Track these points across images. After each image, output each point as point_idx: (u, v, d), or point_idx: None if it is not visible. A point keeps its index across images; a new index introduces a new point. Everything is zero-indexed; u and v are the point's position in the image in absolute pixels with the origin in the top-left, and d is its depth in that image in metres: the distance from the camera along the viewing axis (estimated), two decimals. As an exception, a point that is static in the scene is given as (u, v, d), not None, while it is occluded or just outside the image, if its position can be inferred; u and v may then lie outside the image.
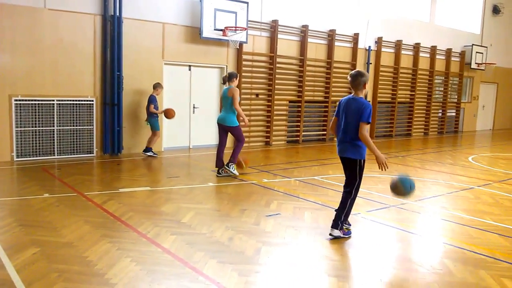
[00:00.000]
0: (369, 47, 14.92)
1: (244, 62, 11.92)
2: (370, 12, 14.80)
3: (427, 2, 17.07)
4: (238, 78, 8.16)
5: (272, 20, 12.32)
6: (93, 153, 9.79)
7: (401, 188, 4.90)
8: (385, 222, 5.63)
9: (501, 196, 7.31)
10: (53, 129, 9.29)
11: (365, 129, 4.75)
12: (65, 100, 9.36)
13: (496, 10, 19.94)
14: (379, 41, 15.15)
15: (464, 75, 18.87)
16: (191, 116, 11.48)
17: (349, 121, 4.88)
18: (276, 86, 12.59)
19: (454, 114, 19.07)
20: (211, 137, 11.94)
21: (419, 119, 17.40)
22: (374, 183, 7.99)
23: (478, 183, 8.28)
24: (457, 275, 4.07)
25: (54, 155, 9.34)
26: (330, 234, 4.97)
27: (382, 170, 4.83)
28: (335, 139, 5.41)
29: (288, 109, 13.24)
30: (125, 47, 9.87)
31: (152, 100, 9.81)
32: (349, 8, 14.27)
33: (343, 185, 5.14)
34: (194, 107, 11.46)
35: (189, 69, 11.30)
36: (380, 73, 15.33)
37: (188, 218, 5.51)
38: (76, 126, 9.56)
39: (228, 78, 8.06)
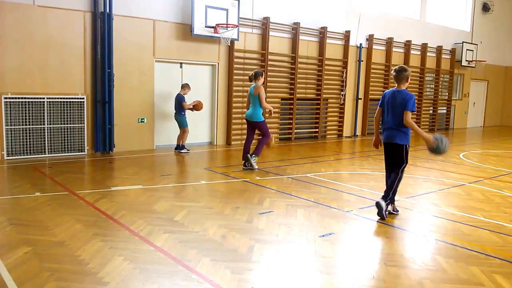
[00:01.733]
0: (361, 44, 14.96)
1: (235, 60, 11.89)
2: (361, 9, 14.84)
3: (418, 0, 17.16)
4: (263, 76, 8.68)
5: (264, 17, 12.31)
6: (84, 152, 9.73)
7: (438, 148, 5.64)
8: (377, 219, 5.65)
9: (492, 192, 7.38)
10: (44, 127, 9.21)
11: (410, 116, 5.46)
12: (55, 98, 9.29)
13: (486, 8, 20.09)
14: (370, 39, 15.20)
15: (454, 72, 19.00)
16: (183, 114, 11.43)
17: (395, 111, 5.55)
18: (268, 84, 12.58)
19: (445, 111, 19.20)
20: (204, 135, 11.92)
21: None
22: (367, 180, 8.03)
23: (469, 180, 8.34)
24: (449, 271, 4.10)
25: (45, 154, 9.27)
26: (377, 203, 5.55)
27: (432, 148, 5.55)
28: (375, 129, 6.13)
29: (280, 107, 13.24)
30: (115, 44, 9.81)
31: (181, 98, 10.29)
32: (340, 5, 14.29)
33: (388, 175, 5.82)
34: (186, 105, 11.42)
35: (181, 66, 11.25)
36: (372, 71, 15.37)
37: (181, 216, 5.49)
38: (67, 124, 9.49)
39: (254, 77, 8.57)
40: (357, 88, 15.14)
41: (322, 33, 13.72)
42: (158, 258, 4.16)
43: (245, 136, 12.32)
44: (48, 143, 9.29)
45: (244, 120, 12.32)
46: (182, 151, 10.49)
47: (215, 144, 11.99)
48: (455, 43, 18.81)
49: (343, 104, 14.74)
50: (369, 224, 5.48)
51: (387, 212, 5.64)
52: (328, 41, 13.88)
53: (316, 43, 13.78)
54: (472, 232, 5.29)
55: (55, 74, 9.27)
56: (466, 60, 18.94)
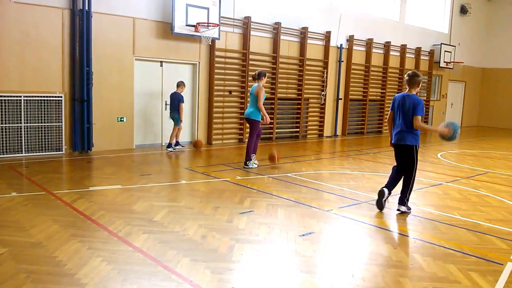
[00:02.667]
0: (341, 45, 15.07)
1: (216, 59, 11.85)
2: (342, 10, 14.95)
3: (397, 1, 17.36)
4: (266, 77, 8.90)
5: (245, 17, 12.30)
6: (62, 151, 9.57)
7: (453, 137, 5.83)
8: (357, 218, 5.70)
9: (469, 191, 7.51)
10: (20, 126, 9.03)
11: (419, 120, 5.75)
12: (32, 96, 9.11)
13: (463, 10, 20.45)
14: (350, 40, 15.32)
15: (433, 73, 19.29)
16: (163, 113, 11.35)
17: (405, 114, 5.85)
18: (249, 83, 12.57)
19: (423, 111, 19.45)
20: (185, 134, 11.84)
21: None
22: (346, 180, 8.09)
23: (446, 179, 8.48)
24: (427, 269, 4.16)
25: (21, 153, 9.09)
26: (398, 210, 6.00)
27: (445, 134, 5.78)
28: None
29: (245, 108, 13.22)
30: (94, 42, 9.68)
31: (180, 98, 10.39)
32: (321, 6, 14.37)
33: (395, 169, 6.15)
34: (166, 104, 11.33)
35: (161, 65, 11.17)
36: (352, 71, 15.50)
37: (161, 216, 5.45)
38: (44, 123, 9.32)
39: (257, 76, 8.71)
40: (338, 89, 15.25)
41: (303, 34, 13.78)
42: (137, 259, 4.12)
43: (225, 136, 12.42)
44: (25, 142, 9.11)
45: (226, 120, 12.39)
46: (177, 147, 10.73)
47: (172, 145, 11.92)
48: (433, 45, 19.11)
49: (324, 104, 14.82)
50: (349, 223, 5.53)
51: (405, 211, 6.03)
52: (309, 41, 13.94)
53: (297, 43, 13.84)
54: (449, 230, 5.37)
55: (32, 72, 9.10)
56: (444, 62, 19.25)
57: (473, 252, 4.64)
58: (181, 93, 10.52)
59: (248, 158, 8.79)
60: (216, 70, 11.88)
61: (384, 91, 16.97)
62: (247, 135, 8.86)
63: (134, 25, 10.32)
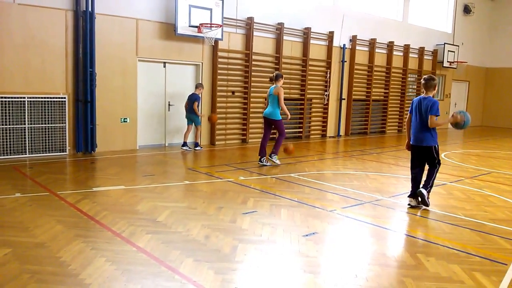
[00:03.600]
0: (344, 45, 15.05)
1: (219, 59, 11.86)
2: (345, 10, 14.93)
3: (400, 1, 17.32)
4: (283, 78, 9.35)
5: (248, 17, 12.30)
6: (65, 152, 9.60)
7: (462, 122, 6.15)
8: (360, 218, 5.69)
9: (473, 191, 7.49)
10: (25, 127, 9.07)
11: (434, 119, 5.99)
12: (36, 98, 9.14)
13: (467, 10, 20.39)
14: (353, 40, 15.30)
15: (436, 73, 19.23)
16: (166, 114, 11.37)
17: (422, 116, 6.10)
18: (252, 84, 12.59)
19: (426, 111, 19.39)
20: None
21: (393, 117, 17.67)
22: (350, 180, 8.08)
23: (450, 179, 8.45)
24: (430, 269, 4.15)
25: (25, 154, 9.12)
26: (419, 192, 6.15)
27: (460, 123, 6.10)
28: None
29: (264, 107, 13.22)
30: (97, 44, 9.71)
31: (197, 98, 10.72)
32: (324, 6, 14.36)
33: (413, 172, 6.41)
34: (169, 105, 11.36)
35: (164, 66, 11.19)
36: (355, 71, 15.48)
37: (164, 216, 5.45)
38: (48, 124, 9.35)
39: (274, 78, 9.18)
40: (341, 89, 15.24)
41: (306, 34, 13.77)
42: (141, 259, 4.13)
43: (228, 136, 12.42)
44: (29, 143, 9.14)
45: (229, 120, 12.39)
46: (197, 148, 11.11)
47: (199, 144, 11.92)
48: (437, 44, 19.06)
49: (327, 104, 14.81)
50: (352, 224, 5.52)
51: (429, 200, 6.22)
52: (312, 41, 13.93)
53: (300, 44, 13.83)
54: (453, 230, 5.36)
55: (36, 73, 9.13)
56: (447, 61, 19.20)
57: (477, 252, 4.63)
58: (199, 95, 10.88)
59: (274, 151, 9.26)
60: (219, 71, 11.89)
61: (388, 91, 16.94)
62: (284, 132, 9.47)
63: (137, 26, 10.34)
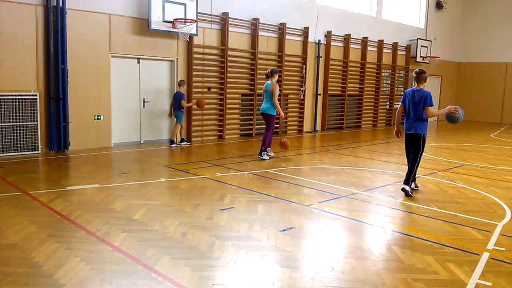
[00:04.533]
0: (319, 40, 15.13)
1: (194, 55, 11.77)
2: (320, 6, 15.00)
3: (374, -3, 17.51)
4: (277, 74, 9.56)
5: (223, 13, 12.23)
6: (38, 150, 9.38)
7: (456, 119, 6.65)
8: (336, 212, 5.74)
9: (446, 184, 7.64)
10: (-6, 126, 8.84)
11: (430, 110, 6.51)
12: (6, 95, 8.90)
13: (439, 5, 20.74)
14: (328, 35, 15.39)
15: (410, 68, 19.51)
16: (141, 111, 11.23)
17: (416, 106, 6.58)
18: (228, 80, 12.54)
19: (400, 106, 19.67)
20: (163, 131, 11.75)
21: (368, 112, 17.87)
22: (326, 175, 8.14)
23: (423, 172, 8.60)
24: (405, 261, 4.21)
25: (-5, 153, 8.89)
26: (403, 189, 6.64)
27: (454, 114, 6.55)
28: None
29: (240, 103, 13.23)
30: (69, 39, 9.50)
31: (182, 96, 10.86)
32: (299, 2, 14.39)
33: (407, 156, 6.97)
34: (144, 101, 11.22)
35: (138, 62, 11.03)
36: (330, 67, 15.59)
37: (140, 214, 5.39)
38: (19, 122, 9.12)
39: (270, 74, 9.37)
40: (316, 84, 15.32)
41: (281, 29, 13.79)
42: (116, 258, 4.07)
43: (205, 133, 12.36)
44: (-1, 142, 8.91)
45: (206, 117, 12.32)
46: (182, 143, 11.21)
47: (175, 141, 11.83)
48: (410, 40, 19.34)
49: (303, 99, 14.88)
50: (329, 218, 5.56)
51: (411, 190, 6.75)
52: (287, 37, 13.96)
53: (276, 39, 13.84)
54: (427, 222, 5.46)
55: (6, 70, 8.88)
56: (420, 56, 19.50)
57: (450, 243, 4.73)
58: (183, 92, 10.98)
59: (263, 149, 9.48)
60: (194, 67, 11.80)
61: (362, 86, 17.11)
62: (273, 128, 9.82)
63: (109, 21, 10.17)
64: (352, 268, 4.03)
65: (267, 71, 9.52)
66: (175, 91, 11.11)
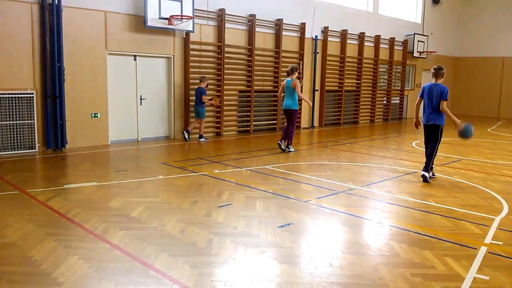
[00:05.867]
0: (316, 36, 15.11)
1: (191, 52, 11.75)
2: (316, 2, 14.98)
3: (371, -8, 17.49)
4: (298, 71, 10.18)
5: (219, 9, 12.20)
6: (35, 149, 9.36)
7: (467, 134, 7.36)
8: (334, 208, 5.76)
9: (443, 178, 7.66)
10: (-9, 124, 8.81)
11: (444, 104, 7.16)
12: (3, 94, 8.87)
13: (436, 0, 20.73)
14: (325, 31, 15.38)
15: (407, 63, 19.54)
16: (138, 108, 11.21)
17: (434, 100, 7.24)
18: (225, 76, 12.52)
19: (398, 101, 19.73)
20: (160, 129, 11.74)
21: (365, 107, 17.88)
22: (324, 170, 8.15)
23: (421, 167, 8.59)
24: (403, 256, 4.23)
25: (-8, 152, 8.87)
26: (422, 176, 7.27)
27: (458, 129, 7.26)
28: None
29: (238, 99, 13.22)
30: (65, 37, 9.48)
31: (203, 91, 11.19)
32: (295, -3, 14.37)
33: (425, 146, 7.62)
34: (141, 99, 11.20)
35: (134, 59, 11.01)
36: (327, 62, 15.58)
37: (138, 212, 5.39)
38: (16, 120, 9.09)
39: (290, 71, 9.91)
40: (314, 80, 15.32)
41: (278, 25, 13.76)
42: (115, 256, 4.08)
43: (204, 129, 12.33)
44: (-4, 141, 8.89)
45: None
46: (201, 140, 11.51)
47: (172, 138, 11.84)
48: (407, 35, 19.33)
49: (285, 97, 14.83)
50: (327, 213, 5.57)
51: (430, 177, 7.35)
52: (284, 33, 13.93)
53: (272, 35, 13.81)
54: (425, 217, 5.47)
55: (2, 68, 8.86)
56: (417, 51, 19.51)
57: (448, 237, 4.74)
58: (204, 88, 11.29)
59: (290, 143, 10.03)
60: (191, 63, 11.78)
61: (360, 81, 17.12)
62: (295, 123, 10.20)
63: (106, 18, 10.13)
64: (350, 263, 4.04)
65: (287, 69, 10.04)
66: (196, 87, 11.37)
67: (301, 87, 14.62)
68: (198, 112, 11.34)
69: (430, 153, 7.36)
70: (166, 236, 4.63)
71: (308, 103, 10.33)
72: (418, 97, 7.61)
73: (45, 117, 9.47)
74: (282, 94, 10.30)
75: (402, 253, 4.30)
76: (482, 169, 8.55)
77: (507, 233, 4.94)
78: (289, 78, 9.94)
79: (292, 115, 9.99)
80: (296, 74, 9.99)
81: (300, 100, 10.30)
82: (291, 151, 10.02)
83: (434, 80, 7.37)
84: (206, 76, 11.79)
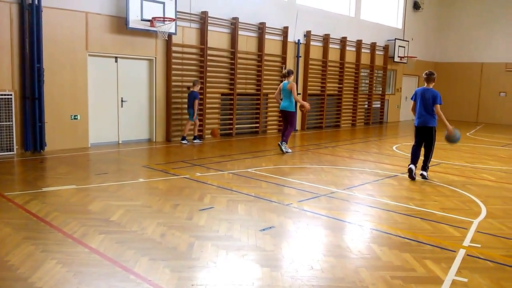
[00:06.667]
0: (299, 40, 15.19)
1: (174, 54, 11.69)
2: (299, 6, 15.06)
3: (353, -3, 17.66)
4: (293, 74, 10.78)
5: (202, 12, 12.17)
6: (13, 151, 9.18)
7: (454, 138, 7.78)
8: (316, 211, 5.77)
9: (423, 182, 7.75)
10: (-33, 126, 8.61)
11: (439, 108, 7.54)
12: (-21, 95, 8.70)
13: (416, 6, 21.05)
14: (307, 35, 15.46)
15: (388, 68, 19.76)
16: (119, 110, 11.09)
17: (426, 103, 7.62)
18: (207, 79, 12.49)
19: (379, 105, 19.94)
20: (142, 131, 11.64)
21: (347, 111, 18.02)
22: (306, 174, 8.17)
23: (401, 170, 8.71)
24: (383, 258, 4.26)
25: (-32, 154, 8.67)
26: (421, 175, 7.86)
27: (450, 134, 7.65)
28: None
29: (220, 102, 13.19)
30: (45, 38, 9.33)
31: (196, 95, 11.32)
32: (278, 1, 14.42)
33: (414, 147, 7.96)
34: (122, 101, 11.09)
35: (116, 61, 10.89)
36: (310, 66, 15.66)
37: (118, 216, 5.32)
38: (-7, 122, 8.92)
39: (287, 74, 10.30)
40: (296, 84, 15.36)
41: (261, 29, 13.79)
42: (94, 260, 4.01)
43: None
44: (-28, 143, 8.69)
45: (185, 116, 12.23)
46: (195, 141, 11.68)
47: (154, 140, 11.74)
48: (388, 40, 19.57)
49: (283, 99, 14.86)
50: (309, 217, 5.58)
51: (426, 175, 7.88)
52: (267, 36, 13.97)
53: (255, 39, 13.84)
54: (405, 220, 5.52)
55: (-22, 69, 8.68)
56: (398, 56, 19.75)
57: (428, 240, 4.79)
58: (196, 91, 11.37)
59: (285, 140, 10.35)
60: (173, 66, 11.72)
61: (341, 85, 17.24)
62: (295, 124, 10.82)
63: (86, 20, 10.02)
64: (331, 266, 4.05)
65: (283, 72, 10.55)
66: (189, 91, 11.45)
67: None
68: (191, 114, 11.46)
69: (426, 154, 7.83)
70: (147, 240, 4.57)
71: (304, 105, 10.61)
72: (412, 101, 7.96)
73: (23, 119, 9.30)
74: (281, 98, 10.48)
75: (383, 256, 4.33)
76: (462, 173, 8.68)
77: (485, 236, 5.01)
78: (285, 81, 10.28)
79: (289, 117, 10.30)
80: (292, 77, 10.36)
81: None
82: (288, 152, 10.36)
83: (426, 84, 7.74)
84: (189, 78, 11.75)
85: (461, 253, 4.45)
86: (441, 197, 6.72)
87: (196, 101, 11.33)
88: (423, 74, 7.82)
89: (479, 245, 4.69)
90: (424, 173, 7.85)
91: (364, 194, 6.77)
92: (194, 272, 3.86)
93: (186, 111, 12.23)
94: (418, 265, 4.13)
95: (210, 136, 11.72)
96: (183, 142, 11.49)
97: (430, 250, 4.51)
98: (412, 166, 7.86)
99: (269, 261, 4.13)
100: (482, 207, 6.23)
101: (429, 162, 7.93)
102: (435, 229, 5.21)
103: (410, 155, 8.06)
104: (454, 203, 6.42)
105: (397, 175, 8.22)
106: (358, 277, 3.83)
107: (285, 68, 14.62)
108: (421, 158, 7.99)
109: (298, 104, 10.53)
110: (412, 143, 8.12)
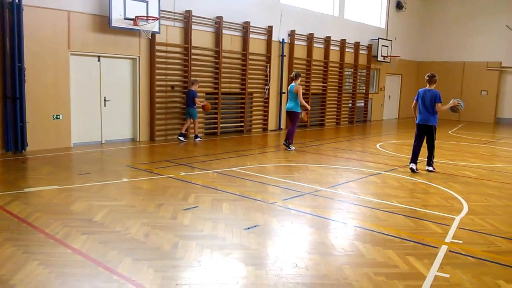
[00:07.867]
0: (283, 39, 15.22)
1: (157, 53, 11.61)
2: (283, 5, 15.08)
3: (336, -4, 17.75)
4: (300, 77, 11.16)
5: (186, 11, 12.11)
6: (-7, 151, 9.04)
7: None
8: (300, 209, 5.79)
9: (406, 180, 7.83)
10: None
11: (440, 105, 8.26)
12: (-42, 94, 8.53)
13: (399, 6, 21.23)
14: (292, 34, 15.50)
15: (371, 67, 19.91)
16: (102, 110, 10.98)
17: (428, 103, 8.33)
18: (192, 78, 12.43)
19: (363, 104, 20.07)
20: (125, 131, 11.54)
21: (331, 110, 18.11)
22: (290, 172, 8.19)
23: (385, 168, 8.79)
24: (367, 255, 4.29)
25: None
26: (427, 170, 8.54)
27: (456, 107, 8.65)
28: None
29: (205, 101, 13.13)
30: (26, 37, 9.18)
31: (195, 94, 11.64)
32: (263, 0, 14.42)
33: (415, 144, 8.62)
34: (105, 100, 10.98)
35: (98, 60, 10.78)
36: (294, 66, 15.69)
37: (101, 216, 5.27)
38: (-27, 122, 8.76)
39: (294, 77, 10.77)
40: (281, 83, 15.40)
41: (245, 28, 13.78)
42: (76, 261, 3.97)
43: (169, 132, 12.21)
44: (-49, 144, 8.52)
45: (169, 116, 12.18)
46: (196, 139, 12.00)
47: (138, 140, 11.66)
48: (371, 39, 19.71)
49: (267, 98, 14.92)
50: (293, 215, 5.60)
51: (432, 170, 8.55)
52: (251, 36, 13.96)
53: (240, 38, 13.82)
54: (388, 217, 5.58)
55: (-43, 68, 8.51)
56: (381, 56, 19.91)
57: (411, 237, 4.85)
58: (195, 90, 11.71)
59: (290, 142, 10.87)
60: (157, 65, 11.63)
61: (326, 84, 17.32)
62: (297, 124, 11.13)
63: (69, 18, 9.89)
64: (315, 264, 4.07)
65: (291, 75, 10.91)
66: (188, 89, 11.82)
67: (268, 89, 14.79)
68: (190, 113, 11.72)
69: (429, 151, 8.50)
70: (130, 240, 4.54)
71: (306, 107, 11.17)
72: (414, 101, 8.63)
73: (4, 119, 9.14)
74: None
75: (366, 253, 4.36)
76: (444, 170, 8.79)
77: (467, 232, 5.09)
78: (293, 83, 10.74)
79: (294, 117, 10.81)
80: (299, 80, 10.77)
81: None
82: (291, 150, 10.79)
83: (428, 86, 8.42)
84: (173, 77, 11.69)
85: (443, 249, 4.51)
86: (423, 194, 6.80)
87: (196, 99, 11.64)
88: (425, 76, 8.49)
89: (461, 241, 4.76)
90: (430, 168, 8.56)
91: (348, 192, 6.82)
92: (179, 272, 3.84)
93: (171, 110, 12.21)
94: (401, 261, 4.17)
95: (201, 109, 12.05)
96: (180, 138, 11.75)
97: (412, 247, 4.56)
98: (412, 165, 8.45)
99: (253, 260, 4.14)
100: (463, 203, 6.32)
101: (433, 158, 8.57)
102: (417, 226, 5.27)
103: (411, 154, 8.63)
104: (436, 200, 6.51)
105: (380, 173, 8.30)
106: (342, 274, 3.86)
107: (269, 68, 14.65)
108: (421, 158, 8.10)
109: (303, 109, 11.00)
110: (408, 140, 8.62)
